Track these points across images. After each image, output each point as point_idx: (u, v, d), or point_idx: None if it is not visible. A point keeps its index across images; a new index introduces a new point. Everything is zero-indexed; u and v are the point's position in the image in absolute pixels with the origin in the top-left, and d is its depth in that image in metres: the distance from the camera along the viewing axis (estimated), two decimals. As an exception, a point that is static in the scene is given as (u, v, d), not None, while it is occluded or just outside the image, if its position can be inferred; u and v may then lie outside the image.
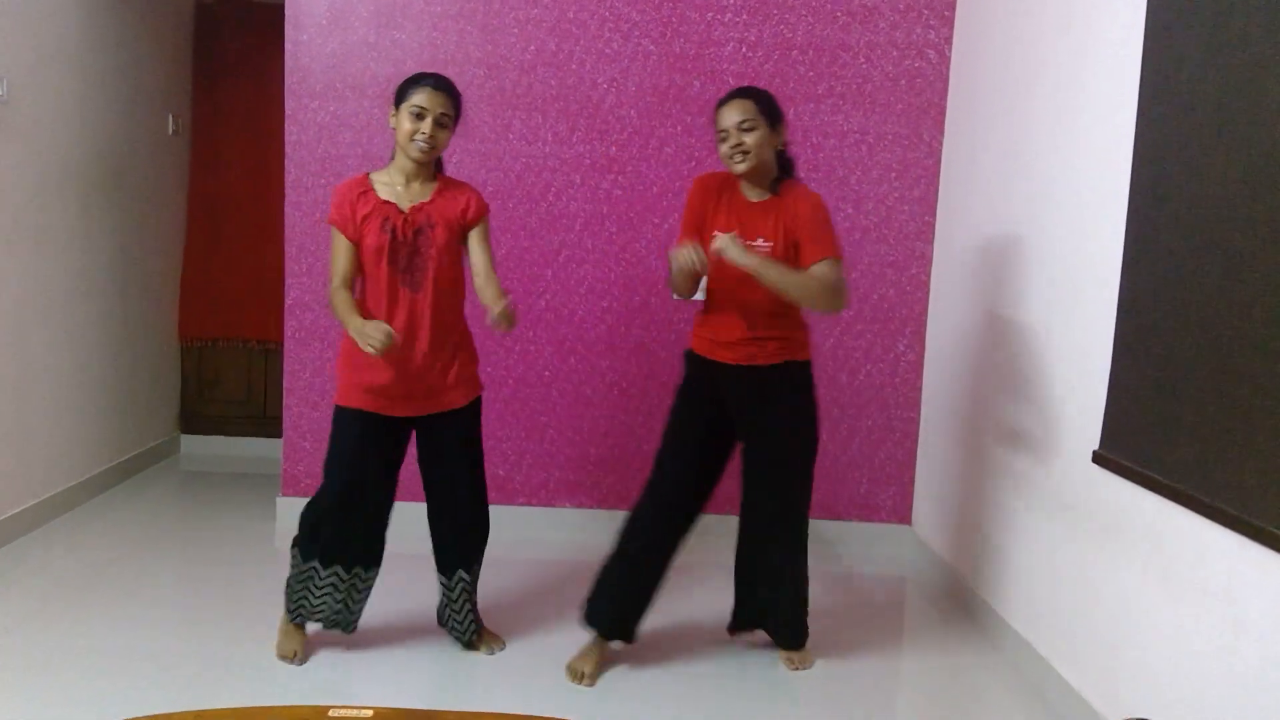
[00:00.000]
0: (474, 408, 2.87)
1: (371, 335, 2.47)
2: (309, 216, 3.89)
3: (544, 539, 3.95)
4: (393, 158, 2.75)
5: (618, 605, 2.87)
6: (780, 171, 2.75)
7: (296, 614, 2.85)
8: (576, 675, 2.81)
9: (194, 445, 5.22)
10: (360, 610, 2.88)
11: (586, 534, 4.00)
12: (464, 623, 2.92)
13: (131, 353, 4.66)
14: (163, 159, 4.89)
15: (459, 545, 2.89)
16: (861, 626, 3.24)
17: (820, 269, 2.61)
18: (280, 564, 3.69)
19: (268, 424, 5.11)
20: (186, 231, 5.15)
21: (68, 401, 4.10)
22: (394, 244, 2.67)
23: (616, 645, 2.92)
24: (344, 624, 2.86)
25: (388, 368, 2.68)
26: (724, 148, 2.67)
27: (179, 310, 5.15)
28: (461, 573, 2.88)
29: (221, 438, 5.22)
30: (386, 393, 2.72)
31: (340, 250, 2.69)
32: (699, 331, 2.86)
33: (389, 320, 2.66)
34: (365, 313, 2.67)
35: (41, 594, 3.20)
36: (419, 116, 2.64)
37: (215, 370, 5.23)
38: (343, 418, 2.76)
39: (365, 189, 2.70)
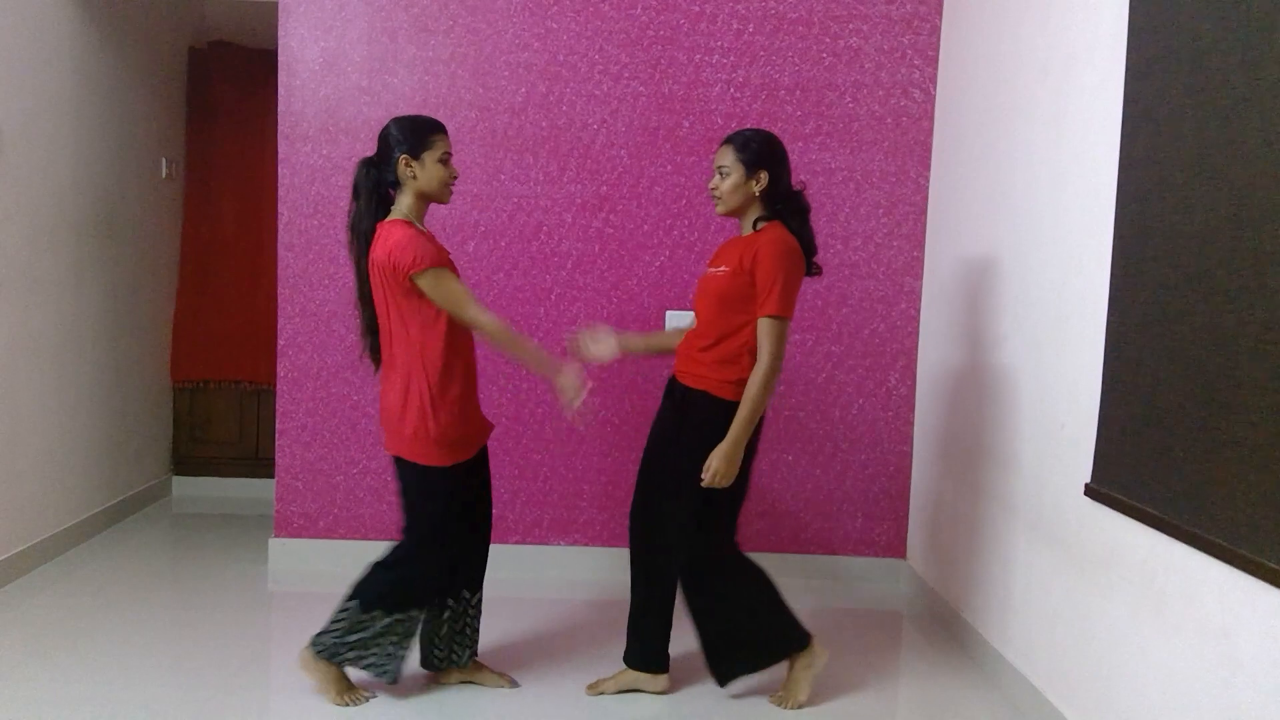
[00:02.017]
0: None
1: (575, 389, 2.69)
2: (301, 258, 3.92)
3: (537, 577, 3.94)
4: (393, 203, 2.74)
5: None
6: (771, 212, 2.78)
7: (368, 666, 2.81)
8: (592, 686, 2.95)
9: (186, 487, 5.20)
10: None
11: (580, 571, 3.99)
12: (473, 638, 2.95)
13: (123, 395, 4.66)
14: (156, 203, 4.92)
15: (485, 555, 2.96)
16: (857, 661, 3.23)
17: (761, 334, 2.71)
18: (273, 607, 3.68)
19: (260, 465, 5.10)
20: (179, 274, 5.17)
21: (59, 444, 4.08)
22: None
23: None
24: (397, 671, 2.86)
25: (478, 408, 2.83)
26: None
27: (171, 352, 5.16)
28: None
29: (213, 479, 5.20)
30: (481, 432, 2.83)
31: (455, 280, 2.66)
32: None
33: (469, 357, 2.76)
34: (452, 353, 2.69)
35: (32, 641, 3.17)
36: (447, 162, 2.73)
37: (207, 412, 5.22)
38: (457, 474, 2.73)
39: (427, 233, 2.73)
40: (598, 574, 4.00)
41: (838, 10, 3.88)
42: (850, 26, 3.89)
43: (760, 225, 2.78)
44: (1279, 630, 1.83)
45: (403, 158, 2.67)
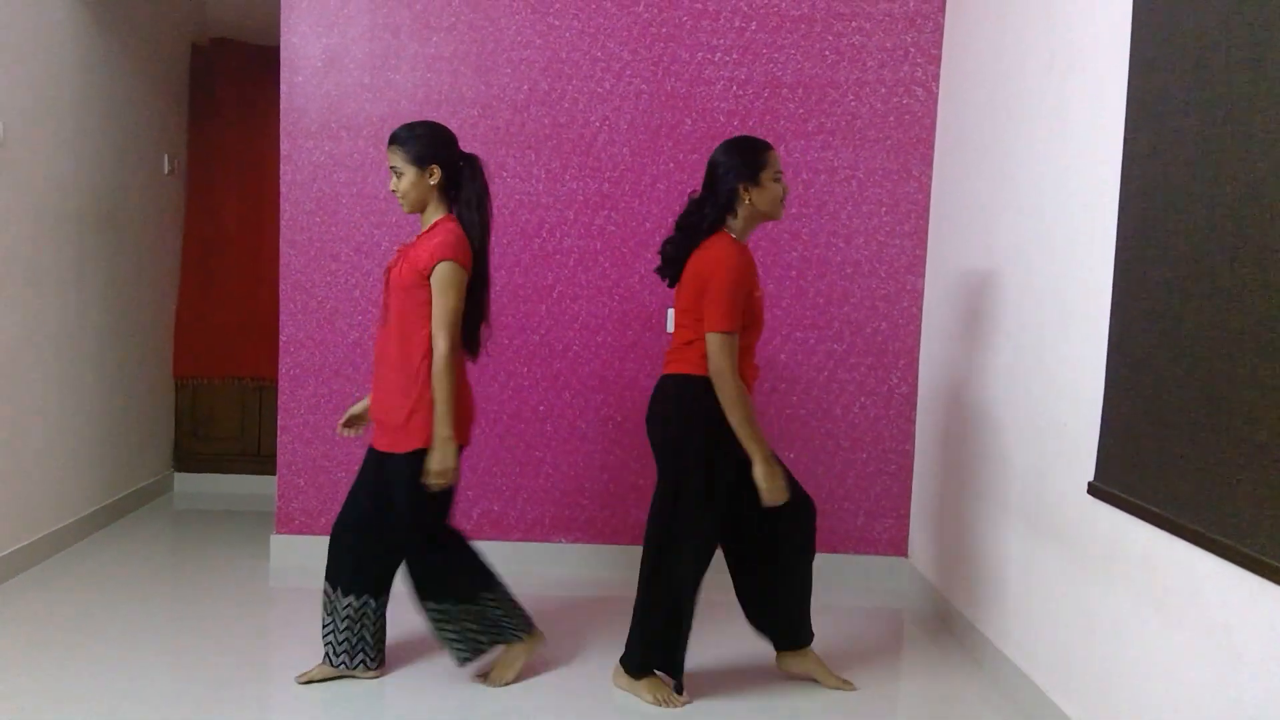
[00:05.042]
0: (405, 461, 2.73)
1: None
2: (304, 255, 3.92)
3: (540, 574, 3.94)
4: None
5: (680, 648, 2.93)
6: None
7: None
8: (673, 702, 2.84)
9: (188, 483, 5.20)
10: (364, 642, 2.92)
11: (582, 569, 4.00)
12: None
13: (125, 391, 4.66)
14: (158, 199, 4.92)
15: (409, 579, 2.89)
16: (858, 659, 3.23)
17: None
18: (274, 603, 3.68)
19: (262, 462, 5.10)
20: (181, 270, 5.17)
21: (61, 440, 4.09)
22: (385, 280, 2.85)
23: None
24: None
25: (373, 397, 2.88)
26: (780, 190, 2.80)
27: (173, 347, 5.16)
28: (429, 603, 2.88)
29: (215, 475, 5.21)
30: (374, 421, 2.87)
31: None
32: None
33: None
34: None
35: (33, 636, 3.17)
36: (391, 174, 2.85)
37: (209, 408, 5.23)
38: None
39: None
40: (600, 571, 4.00)
41: (840, 8, 3.87)
42: (853, 24, 3.88)
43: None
44: (1281, 628, 1.83)
45: None
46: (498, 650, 2.96)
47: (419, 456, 2.71)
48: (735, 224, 2.78)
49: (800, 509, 2.92)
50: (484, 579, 2.90)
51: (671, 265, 2.87)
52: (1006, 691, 3.01)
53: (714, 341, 2.66)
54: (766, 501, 2.69)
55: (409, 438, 2.73)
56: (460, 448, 2.77)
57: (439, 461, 2.67)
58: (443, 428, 2.67)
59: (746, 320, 2.75)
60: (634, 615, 2.91)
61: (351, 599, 2.85)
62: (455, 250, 2.71)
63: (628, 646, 2.92)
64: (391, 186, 2.81)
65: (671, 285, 2.90)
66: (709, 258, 2.72)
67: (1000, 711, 2.92)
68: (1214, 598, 2.04)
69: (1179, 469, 2.16)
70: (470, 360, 2.90)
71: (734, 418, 2.67)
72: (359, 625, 2.88)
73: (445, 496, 2.82)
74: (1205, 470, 2.06)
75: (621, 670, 2.93)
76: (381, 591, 2.91)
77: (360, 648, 2.90)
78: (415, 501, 2.76)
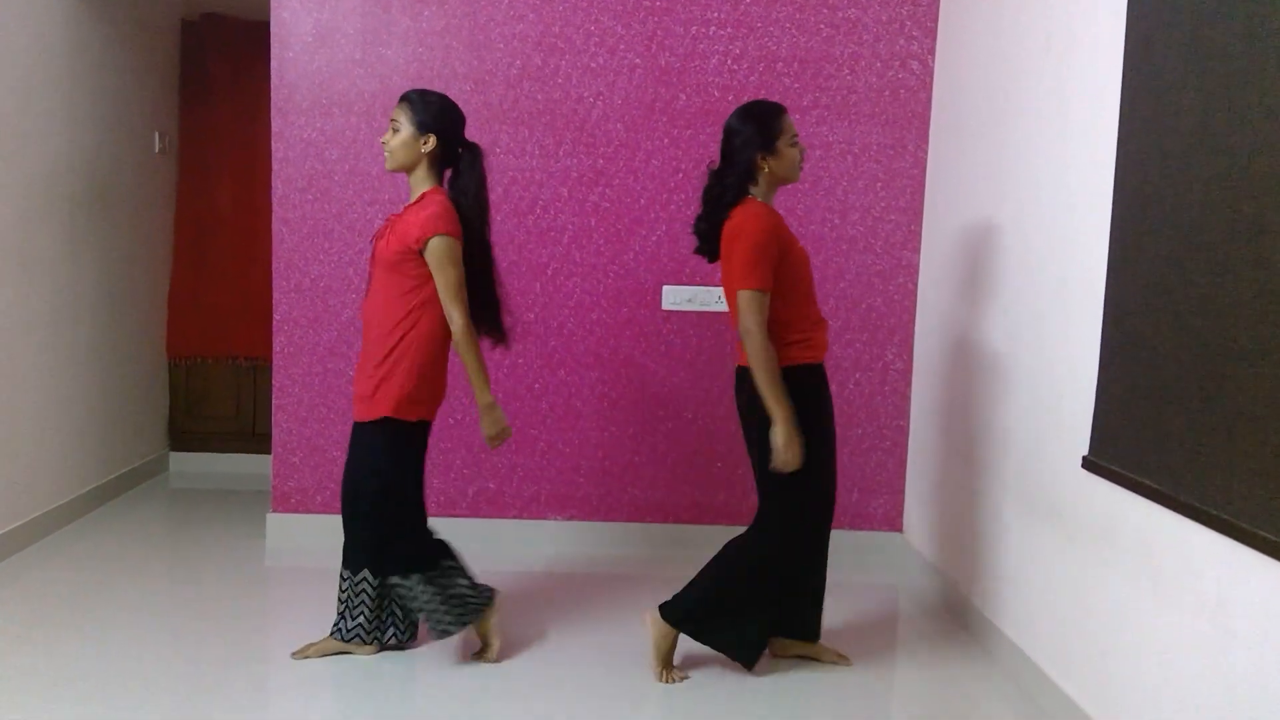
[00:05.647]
0: (374, 427, 2.76)
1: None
2: (297, 232, 3.89)
3: (535, 552, 3.95)
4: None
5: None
6: None
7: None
8: (671, 678, 2.87)
9: (183, 462, 5.20)
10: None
11: (577, 547, 4.00)
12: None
13: (119, 370, 4.65)
14: (149, 177, 4.88)
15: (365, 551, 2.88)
16: (854, 636, 3.24)
17: None
18: (270, 582, 3.69)
19: (257, 440, 5.10)
20: (174, 248, 5.15)
21: (55, 420, 4.08)
22: (372, 250, 2.86)
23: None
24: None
25: None
26: (798, 154, 2.82)
27: (167, 327, 5.14)
28: (394, 579, 2.86)
29: (210, 455, 5.21)
30: None
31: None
32: (816, 340, 2.83)
33: None
34: None
35: (29, 616, 3.18)
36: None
37: (204, 387, 5.21)
38: None
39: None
40: (595, 549, 4.01)
41: (836, -19, 3.85)
42: (848, -3, 3.85)
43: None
44: (1275, 602, 1.84)
45: None
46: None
47: (382, 426, 2.77)
48: (758, 190, 2.80)
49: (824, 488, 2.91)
50: (440, 547, 2.92)
51: (707, 242, 2.86)
52: (1002, 667, 3.03)
53: (741, 298, 2.67)
54: (776, 464, 2.66)
55: (374, 407, 2.76)
56: (427, 423, 2.86)
57: (489, 426, 2.76)
58: (482, 395, 2.75)
59: (790, 279, 2.75)
60: (704, 581, 2.84)
61: (374, 577, 2.88)
62: (445, 223, 2.71)
63: (682, 603, 2.84)
64: (383, 139, 2.80)
65: (711, 261, 2.89)
66: (736, 224, 2.73)
67: (998, 687, 2.94)
68: (1209, 573, 2.05)
69: (1174, 442, 2.16)
70: (502, 345, 2.99)
71: (759, 376, 2.65)
72: (387, 602, 2.92)
73: (415, 469, 2.87)
74: (1200, 444, 2.06)
75: (659, 619, 2.85)
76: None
77: (390, 623, 2.95)
78: (377, 469, 2.80)
